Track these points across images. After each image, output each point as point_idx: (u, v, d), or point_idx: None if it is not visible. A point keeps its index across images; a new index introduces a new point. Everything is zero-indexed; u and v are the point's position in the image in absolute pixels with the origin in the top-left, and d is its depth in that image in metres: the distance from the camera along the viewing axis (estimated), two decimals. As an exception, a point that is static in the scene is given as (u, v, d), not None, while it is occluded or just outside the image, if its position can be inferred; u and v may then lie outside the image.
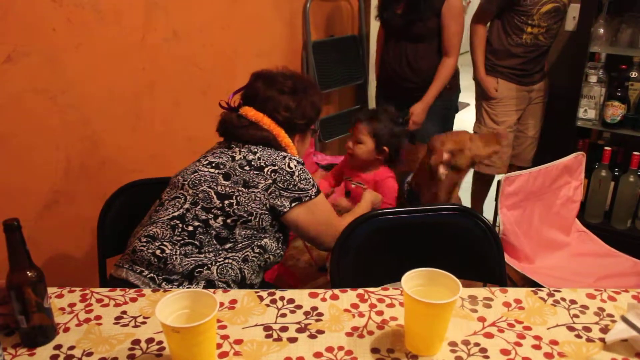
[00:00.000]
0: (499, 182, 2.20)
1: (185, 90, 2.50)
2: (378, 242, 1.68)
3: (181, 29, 2.42)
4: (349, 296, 1.35)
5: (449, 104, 2.98)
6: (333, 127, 3.45)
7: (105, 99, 2.17)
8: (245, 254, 1.57)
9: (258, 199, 1.55)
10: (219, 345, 1.17)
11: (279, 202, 1.56)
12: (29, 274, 1.15)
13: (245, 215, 1.55)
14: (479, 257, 1.68)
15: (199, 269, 1.50)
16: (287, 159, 1.59)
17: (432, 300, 1.10)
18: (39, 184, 2.01)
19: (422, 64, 2.83)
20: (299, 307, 1.30)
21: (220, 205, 1.55)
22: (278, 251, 1.65)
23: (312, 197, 1.61)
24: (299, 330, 1.22)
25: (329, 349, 1.17)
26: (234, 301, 1.33)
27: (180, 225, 1.54)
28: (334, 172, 2.46)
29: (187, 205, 1.56)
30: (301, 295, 1.35)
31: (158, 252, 1.51)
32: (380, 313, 1.28)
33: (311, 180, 1.62)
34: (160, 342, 1.19)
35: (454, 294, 1.12)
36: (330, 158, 3.26)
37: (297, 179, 1.58)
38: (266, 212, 1.57)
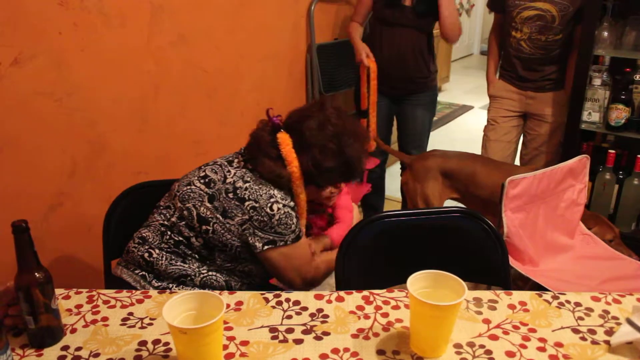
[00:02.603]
0: (502, 184, 2.20)
1: (190, 93, 2.52)
2: (382, 244, 1.68)
3: (187, 32, 2.44)
4: (354, 298, 1.35)
5: (435, 93, 3.10)
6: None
7: (111, 102, 2.18)
8: (229, 273, 1.59)
9: (232, 231, 1.50)
10: (225, 347, 1.18)
11: (251, 240, 1.50)
12: (37, 275, 1.16)
13: (219, 245, 1.52)
14: (483, 259, 1.69)
15: (182, 279, 1.53)
16: (272, 199, 1.49)
17: (438, 302, 1.10)
18: (45, 185, 2.02)
19: (427, 59, 2.93)
20: (305, 308, 1.31)
21: (199, 228, 1.53)
22: (265, 275, 1.66)
23: (289, 242, 1.52)
24: (304, 332, 1.23)
25: (335, 351, 1.18)
26: (239, 302, 1.34)
27: (169, 233, 1.56)
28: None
29: (174, 219, 1.56)
30: (307, 297, 1.35)
31: (146, 255, 1.55)
32: (385, 315, 1.29)
33: (292, 225, 1.52)
34: (167, 344, 1.20)
35: (459, 296, 1.12)
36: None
37: (275, 222, 1.49)
38: (241, 245, 1.53)
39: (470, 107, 6.17)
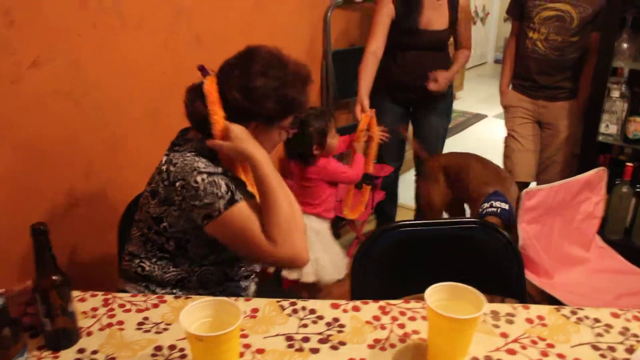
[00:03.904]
0: (518, 196, 2.19)
1: (205, 96, 2.52)
2: (398, 254, 1.68)
3: (204, 34, 2.45)
4: (370, 308, 1.35)
5: (450, 100, 3.10)
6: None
7: (126, 102, 2.19)
8: (220, 264, 1.56)
9: (181, 217, 1.45)
10: (241, 354, 1.18)
11: (193, 218, 1.43)
12: (55, 278, 1.16)
13: (183, 237, 1.48)
14: (499, 271, 1.68)
15: (180, 282, 1.53)
16: (195, 172, 1.41)
17: (456, 315, 1.10)
18: (60, 186, 2.03)
19: (446, 68, 2.93)
20: (321, 317, 1.31)
21: (161, 229, 1.49)
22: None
23: (222, 210, 1.40)
24: (320, 341, 1.23)
25: (351, 361, 1.17)
26: (255, 310, 1.33)
27: (149, 243, 1.54)
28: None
29: (145, 230, 1.54)
30: (323, 306, 1.35)
31: (139, 269, 1.54)
32: (402, 326, 1.29)
33: (219, 192, 1.40)
34: (182, 349, 1.20)
35: (477, 310, 1.12)
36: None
37: (202, 193, 1.39)
38: (200, 230, 1.46)
39: (484, 116, 6.15)
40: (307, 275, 2.48)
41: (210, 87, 1.45)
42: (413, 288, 1.73)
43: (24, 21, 1.78)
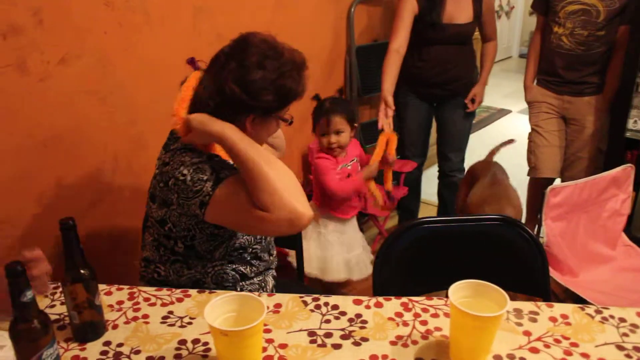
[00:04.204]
0: (543, 193, 2.17)
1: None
2: (421, 251, 1.68)
3: (225, 32, 2.43)
4: (393, 304, 1.35)
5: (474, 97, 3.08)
6: (374, 131, 3.43)
7: (150, 101, 2.22)
8: (229, 259, 1.56)
9: (181, 214, 1.44)
10: (264, 349, 1.19)
11: (193, 212, 1.41)
12: (82, 272, 1.19)
13: (187, 233, 1.48)
14: (523, 269, 1.67)
15: (196, 285, 1.54)
16: (181, 167, 1.40)
17: (479, 312, 1.09)
18: (87, 182, 2.06)
19: (469, 65, 2.94)
20: (343, 313, 1.32)
21: (168, 231, 1.49)
22: (262, 240, 1.61)
23: (210, 192, 1.38)
24: (343, 337, 1.24)
25: (373, 357, 1.18)
26: (278, 305, 1.35)
27: (161, 248, 1.54)
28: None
29: (155, 235, 1.54)
30: (345, 302, 1.36)
31: (155, 275, 1.56)
32: (424, 323, 1.29)
33: (205, 175, 1.39)
34: (206, 343, 1.22)
35: (501, 307, 1.11)
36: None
37: (190, 183, 1.38)
38: (203, 223, 1.45)
39: (508, 111, 6.09)
40: (338, 273, 2.49)
41: (188, 84, 1.47)
42: (435, 285, 1.73)
43: (52, 20, 1.81)
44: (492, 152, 3.02)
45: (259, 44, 1.42)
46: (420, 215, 3.40)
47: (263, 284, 1.63)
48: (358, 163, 2.58)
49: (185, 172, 1.39)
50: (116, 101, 2.08)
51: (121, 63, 2.06)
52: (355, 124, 2.49)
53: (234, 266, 1.56)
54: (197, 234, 1.48)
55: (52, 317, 1.28)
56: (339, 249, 2.51)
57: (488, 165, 2.82)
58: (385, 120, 2.58)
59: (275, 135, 1.63)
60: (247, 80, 1.37)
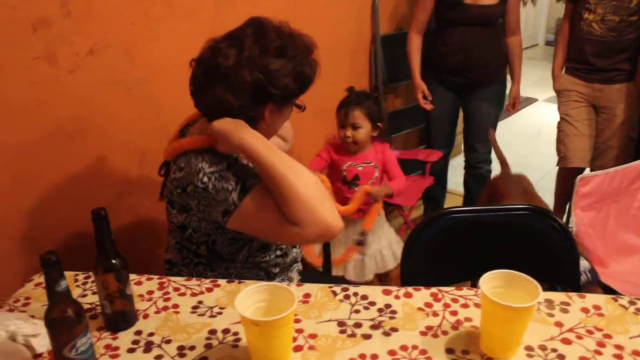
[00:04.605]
0: (573, 182, 2.14)
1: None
2: (448, 241, 1.67)
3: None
4: (422, 294, 1.34)
5: (503, 85, 3.05)
6: (400, 121, 3.43)
7: (175, 92, 2.22)
8: (252, 260, 1.55)
9: (202, 219, 1.43)
10: (294, 339, 1.20)
11: (214, 219, 1.40)
12: (114, 262, 1.20)
13: (207, 238, 1.47)
14: (553, 259, 1.65)
15: None
16: (200, 174, 1.36)
17: (510, 303, 1.08)
18: (115, 174, 2.08)
19: (496, 50, 2.89)
20: (373, 303, 1.31)
21: (189, 235, 1.49)
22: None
23: (237, 202, 1.36)
24: (372, 327, 1.23)
25: (403, 348, 1.17)
26: (307, 295, 1.35)
27: (185, 250, 1.54)
28: (324, 167, 2.49)
29: (178, 239, 1.53)
30: (374, 292, 1.35)
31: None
32: (454, 313, 1.28)
33: (229, 185, 1.36)
34: (236, 333, 1.23)
35: (533, 298, 1.10)
36: (397, 153, 3.24)
37: (213, 192, 1.36)
38: (223, 229, 1.44)
39: (534, 100, 6.01)
40: (370, 272, 2.48)
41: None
42: (464, 275, 1.72)
43: (79, 11, 1.82)
44: (505, 163, 2.85)
45: (275, 30, 1.40)
46: (446, 206, 3.36)
47: (288, 282, 1.62)
48: (376, 169, 2.46)
49: (205, 179, 1.36)
50: (143, 92, 2.10)
51: (148, 54, 2.07)
52: (380, 124, 2.41)
53: (257, 266, 1.55)
54: (218, 239, 1.47)
55: (85, 307, 1.29)
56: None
57: (513, 181, 2.66)
58: (428, 104, 2.70)
59: (284, 125, 1.61)
60: (271, 68, 1.35)
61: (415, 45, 2.90)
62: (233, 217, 1.37)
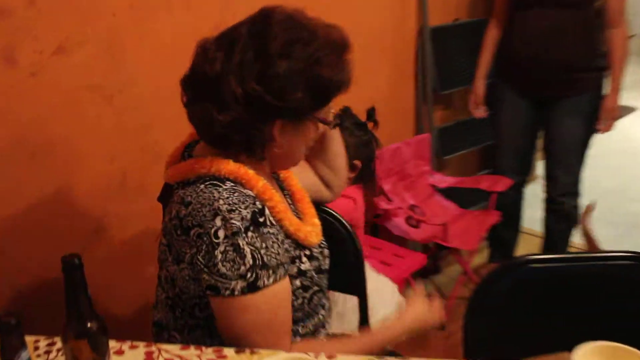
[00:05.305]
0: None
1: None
2: (526, 299, 1.65)
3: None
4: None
5: (598, 95, 2.93)
6: (455, 138, 3.42)
7: (170, 101, 2.23)
8: None
9: (190, 278, 1.39)
10: None
11: (199, 280, 1.37)
12: (89, 325, 1.19)
13: (199, 301, 1.43)
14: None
15: None
16: (218, 219, 1.31)
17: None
18: (89, 202, 2.09)
19: (587, 42, 2.83)
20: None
21: (178, 294, 1.46)
22: (304, 303, 1.53)
23: (236, 293, 1.32)
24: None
25: None
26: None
27: (178, 309, 1.50)
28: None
29: (169, 293, 1.50)
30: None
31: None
32: (537, 398, 1.25)
33: (242, 265, 1.31)
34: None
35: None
36: (452, 180, 3.23)
37: (219, 256, 1.31)
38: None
39: (632, 109, 5.98)
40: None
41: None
42: (547, 346, 1.69)
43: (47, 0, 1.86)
44: (592, 240, 2.83)
45: (283, 21, 1.37)
46: (518, 250, 3.35)
47: None
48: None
49: (219, 235, 1.31)
50: (126, 101, 2.12)
51: (133, 53, 2.10)
52: (357, 162, 2.36)
53: None
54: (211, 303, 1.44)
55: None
56: None
57: None
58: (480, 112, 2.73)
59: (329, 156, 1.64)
60: (270, 74, 1.32)
61: (489, 38, 2.93)
62: (217, 300, 1.35)
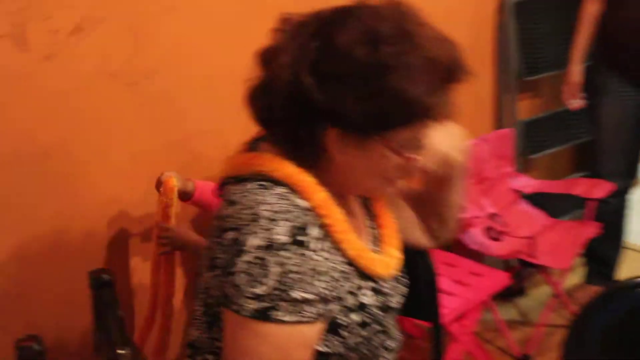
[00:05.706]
0: None
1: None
2: (636, 330, 1.63)
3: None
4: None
5: None
6: (543, 134, 3.39)
7: (208, 88, 2.23)
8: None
9: (213, 287, 1.39)
10: None
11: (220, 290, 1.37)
12: (120, 352, 1.18)
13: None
14: None
15: None
16: (254, 226, 1.30)
17: None
18: (109, 212, 2.09)
19: None
20: None
21: (211, 304, 1.44)
22: (365, 340, 1.50)
23: (243, 313, 1.29)
24: None
25: None
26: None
27: (215, 326, 1.47)
28: None
29: (206, 308, 1.50)
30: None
31: None
32: None
33: (260, 284, 1.28)
34: None
35: None
36: (540, 184, 3.18)
37: (240, 265, 1.29)
38: None
39: None
40: None
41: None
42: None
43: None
44: None
45: (367, 16, 1.31)
46: (621, 267, 3.29)
47: None
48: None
49: (251, 242, 1.29)
50: (154, 88, 2.12)
51: (162, 31, 2.10)
52: None
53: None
54: None
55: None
56: None
57: None
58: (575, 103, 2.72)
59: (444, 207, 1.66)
60: (325, 68, 1.29)
61: (587, 13, 2.88)
62: (227, 312, 1.33)
